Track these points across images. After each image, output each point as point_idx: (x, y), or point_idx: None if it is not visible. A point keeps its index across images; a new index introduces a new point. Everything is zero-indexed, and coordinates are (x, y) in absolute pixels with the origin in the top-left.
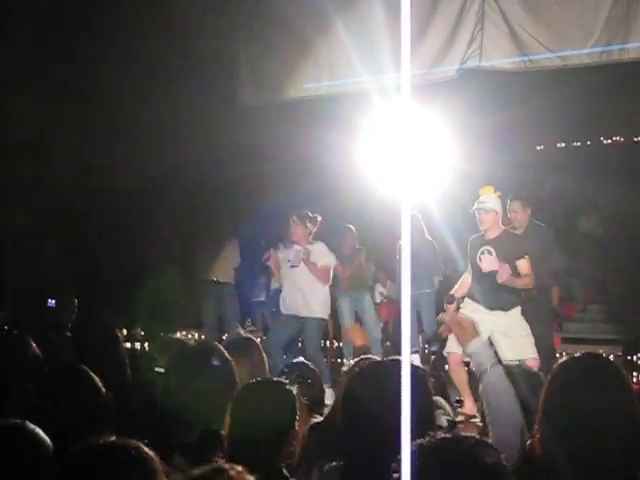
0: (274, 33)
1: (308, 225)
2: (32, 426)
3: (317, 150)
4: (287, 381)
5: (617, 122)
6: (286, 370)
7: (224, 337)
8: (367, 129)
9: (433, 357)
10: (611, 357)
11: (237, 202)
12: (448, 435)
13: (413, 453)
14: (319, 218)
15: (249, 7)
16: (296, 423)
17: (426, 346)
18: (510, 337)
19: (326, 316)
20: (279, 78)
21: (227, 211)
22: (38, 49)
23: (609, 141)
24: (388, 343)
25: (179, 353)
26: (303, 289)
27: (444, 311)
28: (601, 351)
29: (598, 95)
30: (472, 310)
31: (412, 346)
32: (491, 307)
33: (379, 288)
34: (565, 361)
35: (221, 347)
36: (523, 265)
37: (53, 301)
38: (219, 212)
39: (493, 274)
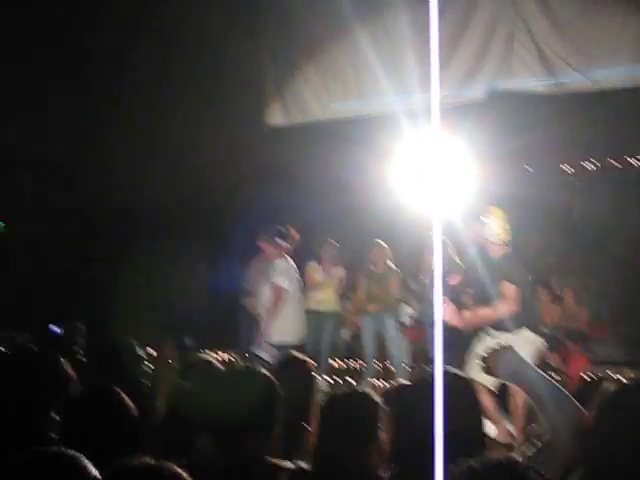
0: (301, 54)
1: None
2: (76, 454)
3: (345, 171)
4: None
5: None
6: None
7: None
8: (395, 150)
9: None
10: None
11: (262, 222)
12: (500, 458)
13: (462, 474)
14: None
15: (276, 29)
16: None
17: None
18: None
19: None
20: (306, 99)
21: (250, 232)
22: (60, 67)
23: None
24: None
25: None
26: None
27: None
28: (630, 373)
29: (629, 117)
30: (487, 334)
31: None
32: (499, 329)
33: (407, 310)
34: (612, 389)
35: (267, 373)
36: (503, 287)
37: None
38: (243, 233)
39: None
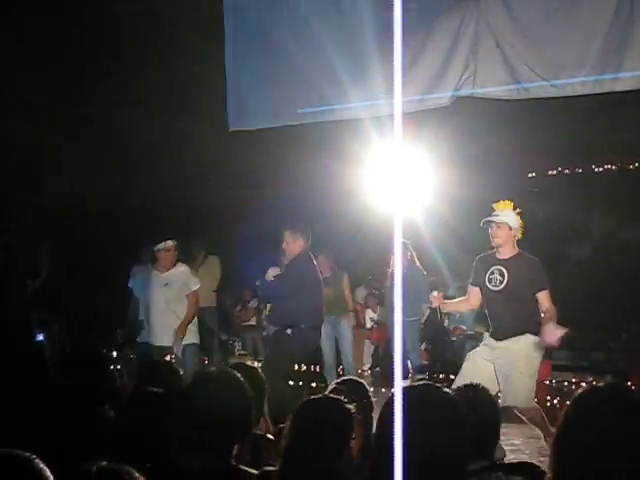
0: (266, 58)
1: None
2: (30, 456)
3: (310, 175)
4: (345, 399)
5: (608, 150)
6: (339, 387)
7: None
8: (360, 155)
9: None
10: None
11: (227, 226)
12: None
13: None
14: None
15: (241, 33)
16: (352, 441)
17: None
18: (511, 378)
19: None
20: (270, 103)
21: (213, 235)
22: (25, 72)
23: (601, 169)
24: (378, 369)
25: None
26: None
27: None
28: (591, 379)
29: (590, 123)
30: (484, 343)
31: (402, 372)
32: (501, 336)
33: (369, 313)
34: (585, 392)
35: (236, 373)
36: (545, 298)
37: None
38: (205, 236)
39: (505, 296)
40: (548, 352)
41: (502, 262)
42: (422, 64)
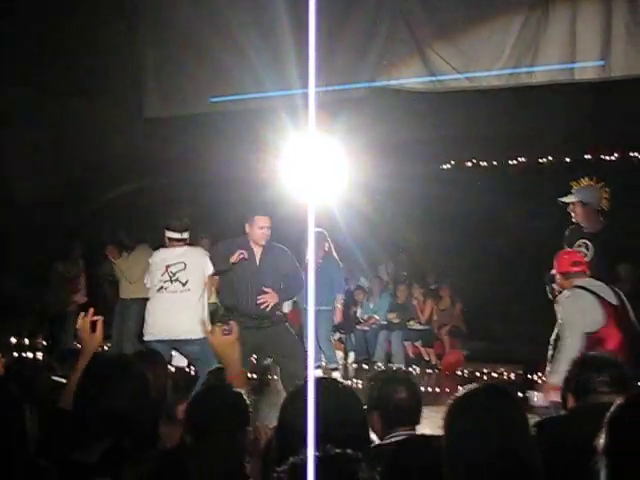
0: (181, 46)
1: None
2: None
3: (223, 164)
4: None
5: (522, 143)
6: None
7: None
8: (274, 144)
9: (333, 373)
10: (512, 375)
11: (140, 216)
12: (335, 452)
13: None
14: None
15: (156, 21)
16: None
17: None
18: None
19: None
20: (185, 91)
21: (130, 225)
22: None
23: (514, 162)
24: None
25: (96, 364)
26: None
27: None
28: (502, 369)
29: (504, 116)
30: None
31: (315, 361)
32: None
33: None
34: (462, 396)
35: (137, 362)
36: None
37: None
38: (121, 227)
39: None
40: (464, 343)
41: (588, 235)
42: (338, 55)
